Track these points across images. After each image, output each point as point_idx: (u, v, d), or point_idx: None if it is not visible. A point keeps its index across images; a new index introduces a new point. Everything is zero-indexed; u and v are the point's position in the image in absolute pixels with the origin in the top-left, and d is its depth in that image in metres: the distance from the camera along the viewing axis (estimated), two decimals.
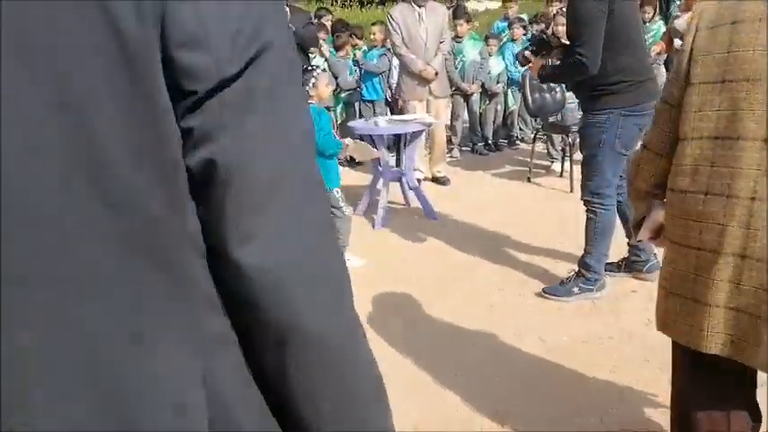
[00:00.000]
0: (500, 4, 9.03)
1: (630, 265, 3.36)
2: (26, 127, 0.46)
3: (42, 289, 0.48)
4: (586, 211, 3.15)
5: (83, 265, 0.49)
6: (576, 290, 3.17)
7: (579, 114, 6.17)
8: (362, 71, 6.54)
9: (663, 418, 2.11)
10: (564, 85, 5.48)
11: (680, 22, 4.85)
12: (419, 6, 5.03)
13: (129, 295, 0.50)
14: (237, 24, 0.49)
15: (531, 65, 3.41)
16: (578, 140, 3.17)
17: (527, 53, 3.39)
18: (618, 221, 3.21)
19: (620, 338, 2.76)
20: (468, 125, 6.80)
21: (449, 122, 6.46)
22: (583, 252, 3.20)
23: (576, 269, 3.22)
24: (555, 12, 5.82)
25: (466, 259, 3.84)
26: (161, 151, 0.50)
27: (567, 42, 3.17)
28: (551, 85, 5.42)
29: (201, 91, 0.49)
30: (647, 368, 2.50)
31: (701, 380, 1.45)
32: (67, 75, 0.46)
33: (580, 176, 3.18)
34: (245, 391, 0.57)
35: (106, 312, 0.50)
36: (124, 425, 0.50)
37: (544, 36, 3.51)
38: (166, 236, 0.51)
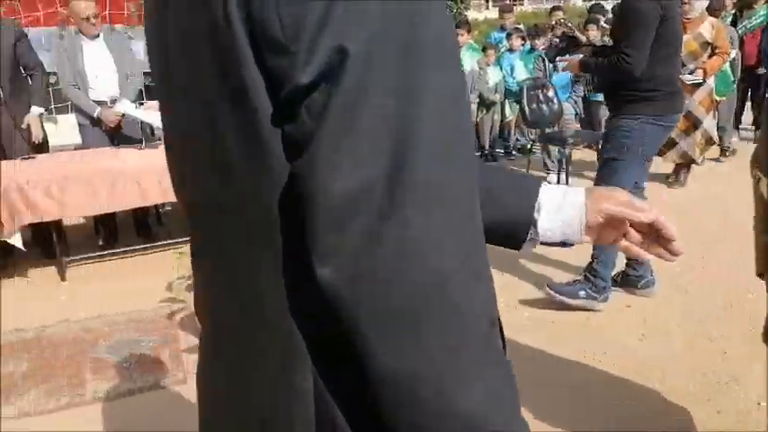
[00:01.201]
0: (497, 14, 9.05)
1: (626, 281, 3.33)
2: (184, 114, 0.59)
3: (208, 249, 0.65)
4: None
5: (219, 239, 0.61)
6: (582, 293, 3.12)
7: (577, 125, 6.21)
8: None
9: None
10: (562, 96, 5.50)
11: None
12: None
13: (244, 267, 0.58)
14: (314, 29, 0.46)
15: (566, 60, 3.45)
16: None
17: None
18: None
19: (614, 354, 2.75)
20: None
21: None
22: (590, 257, 3.15)
23: (583, 275, 3.16)
24: (554, 22, 5.82)
25: None
26: (262, 151, 0.52)
27: (597, 43, 3.17)
28: (549, 96, 5.42)
29: (284, 97, 0.49)
30: (641, 382, 2.49)
31: None
32: (191, 62, 0.55)
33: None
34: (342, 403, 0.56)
35: (224, 278, 0.62)
36: (238, 375, 0.62)
37: (573, 35, 3.55)
38: (274, 229, 0.55)
